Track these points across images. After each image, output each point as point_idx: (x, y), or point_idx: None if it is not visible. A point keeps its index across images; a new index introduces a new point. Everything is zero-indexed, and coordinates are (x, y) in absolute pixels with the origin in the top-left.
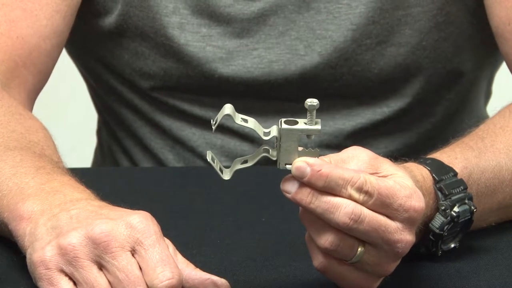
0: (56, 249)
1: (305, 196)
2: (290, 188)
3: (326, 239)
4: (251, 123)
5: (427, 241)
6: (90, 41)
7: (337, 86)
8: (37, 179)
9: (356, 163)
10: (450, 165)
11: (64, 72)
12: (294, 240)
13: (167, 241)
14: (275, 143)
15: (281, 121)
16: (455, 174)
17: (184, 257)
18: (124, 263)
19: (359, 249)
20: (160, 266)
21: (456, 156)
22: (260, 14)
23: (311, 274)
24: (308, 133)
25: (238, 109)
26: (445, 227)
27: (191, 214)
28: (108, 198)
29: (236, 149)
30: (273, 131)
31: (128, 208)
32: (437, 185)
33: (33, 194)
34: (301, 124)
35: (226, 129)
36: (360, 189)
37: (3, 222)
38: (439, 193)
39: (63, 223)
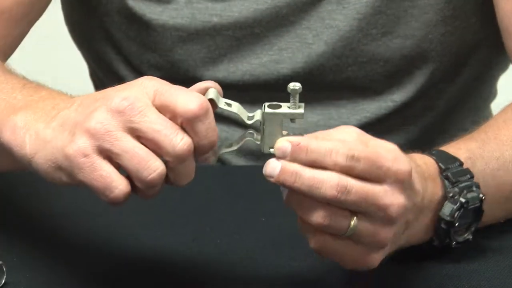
0: (85, 134)
1: (289, 176)
2: (272, 171)
3: (318, 215)
4: (235, 107)
5: (440, 231)
6: (101, 32)
7: (343, 78)
8: (24, 92)
9: (344, 136)
10: (455, 155)
11: (62, 76)
12: (294, 240)
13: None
14: (260, 127)
15: (264, 105)
16: (461, 164)
17: (184, 257)
18: (155, 116)
19: (352, 220)
20: (183, 96)
21: (460, 147)
22: (273, 5)
23: (311, 274)
24: (291, 117)
25: (246, 101)
26: (456, 214)
27: (191, 214)
28: None
29: None
30: (257, 115)
31: (128, 208)
32: (443, 173)
33: (24, 107)
34: (284, 108)
35: (231, 121)
36: (346, 156)
37: None
38: (446, 182)
39: (71, 115)
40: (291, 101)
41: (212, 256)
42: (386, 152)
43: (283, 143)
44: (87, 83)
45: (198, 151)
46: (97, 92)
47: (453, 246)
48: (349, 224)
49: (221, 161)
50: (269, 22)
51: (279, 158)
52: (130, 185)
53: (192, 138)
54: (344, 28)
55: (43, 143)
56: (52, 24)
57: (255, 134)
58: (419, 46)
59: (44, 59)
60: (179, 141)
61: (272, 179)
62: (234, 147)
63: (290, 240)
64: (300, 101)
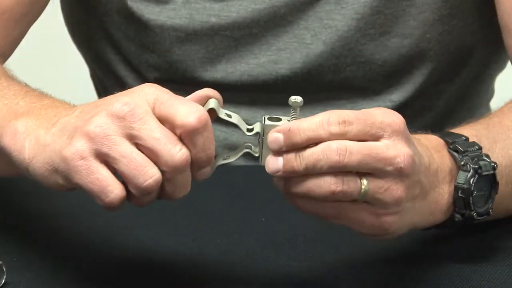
0: (84, 137)
1: (293, 161)
2: (276, 165)
3: (329, 184)
4: (235, 119)
5: (459, 202)
6: (100, 32)
7: (341, 78)
8: (27, 99)
9: (327, 112)
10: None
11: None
12: (294, 240)
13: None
14: (258, 139)
15: (264, 117)
16: (467, 138)
17: (184, 257)
18: (155, 124)
19: (363, 184)
20: (183, 108)
21: (464, 128)
22: (271, 5)
23: (311, 274)
24: None
25: (244, 102)
26: (471, 181)
27: (191, 214)
28: None
29: (239, 142)
30: (256, 127)
31: (128, 209)
32: (450, 146)
33: (26, 113)
34: (285, 121)
35: (229, 122)
36: (338, 122)
37: None
38: (456, 154)
39: (71, 121)
40: (291, 114)
41: (212, 256)
42: (374, 110)
43: (274, 135)
44: (88, 84)
45: (195, 163)
46: (99, 100)
47: (475, 218)
48: (361, 186)
49: None
50: (267, 22)
51: (274, 151)
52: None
53: (189, 150)
54: (342, 28)
55: (42, 147)
56: (52, 25)
57: (253, 146)
58: (417, 46)
59: (44, 60)
60: (178, 152)
61: (279, 173)
62: (232, 159)
63: (290, 240)
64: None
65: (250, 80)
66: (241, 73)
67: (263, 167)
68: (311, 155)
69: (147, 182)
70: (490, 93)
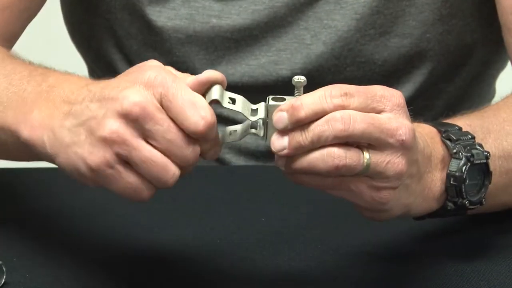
0: (102, 143)
1: (299, 137)
2: (282, 143)
3: (332, 158)
4: (239, 103)
5: (451, 190)
6: (102, 30)
7: (341, 78)
8: (32, 82)
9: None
10: (453, 123)
11: None
12: (294, 240)
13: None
14: (263, 119)
15: (268, 98)
16: (460, 128)
17: (184, 257)
18: (166, 124)
19: (365, 156)
20: (191, 114)
21: (458, 118)
22: (271, 5)
23: (311, 274)
24: None
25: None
26: (463, 169)
27: (191, 214)
28: (108, 198)
29: (240, 141)
30: (261, 107)
31: (127, 209)
32: (443, 135)
33: (35, 102)
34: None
35: (231, 121)
36: (339, 94)
37: (13, 134)
38: (448, 142)
39: (84, 114)
40: (295, 94)
41: (212, 256)
42: (373, 86)
43: (279, 114)
44: None
45: (202, 152)
46: (105, 85)
47: (467, 207)
48: (364, 159)
49: (221, 161)
50: (267, 23)
51: (280, 130)
52: None
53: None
54: (342, 28)
55: (63, 147)
56: (52, 24)
57: (258, 126)
58: (417, 46)
59: (43, 60)
60: (190, 152)
61: (285, 151)
62: (237, 139)
63: (289, 241)
64: None
65: (250, 81)
66: (242, 74)
67: (263, 166)
68: (315, 127)
69: (170, 182)
70: (491, 93)
